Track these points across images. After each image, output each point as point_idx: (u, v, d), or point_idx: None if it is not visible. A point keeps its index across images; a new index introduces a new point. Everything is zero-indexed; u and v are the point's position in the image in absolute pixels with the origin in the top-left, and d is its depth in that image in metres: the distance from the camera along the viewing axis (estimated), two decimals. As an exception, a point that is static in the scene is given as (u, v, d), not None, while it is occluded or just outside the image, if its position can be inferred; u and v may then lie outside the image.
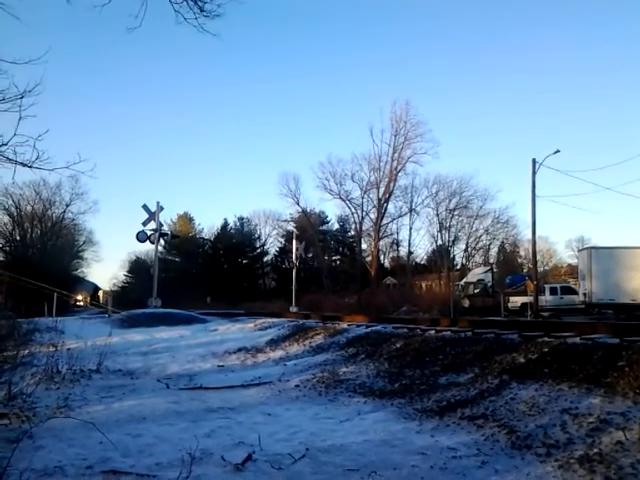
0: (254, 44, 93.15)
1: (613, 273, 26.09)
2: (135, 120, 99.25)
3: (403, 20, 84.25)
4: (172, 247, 66.12)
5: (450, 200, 53.92)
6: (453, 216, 54.58)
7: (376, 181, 52.87)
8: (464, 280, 40.02)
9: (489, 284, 36.36)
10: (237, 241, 66.97)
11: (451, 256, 56.79)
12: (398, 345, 10.94)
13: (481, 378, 7.60)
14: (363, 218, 55.17)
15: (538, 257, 34.29)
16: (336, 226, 66.13)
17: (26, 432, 5.38)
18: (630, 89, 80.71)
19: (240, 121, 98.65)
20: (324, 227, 65.35)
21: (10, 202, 53.20)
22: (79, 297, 42.50)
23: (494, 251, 60.30)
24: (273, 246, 69.43)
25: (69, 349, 11.14)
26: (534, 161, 27.25)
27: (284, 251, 62.69)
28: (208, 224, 74.25)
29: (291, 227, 58.01)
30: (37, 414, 6.57)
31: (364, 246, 58.41)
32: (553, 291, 30.92)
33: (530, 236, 29.15)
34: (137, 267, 68.13)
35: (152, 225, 26.63)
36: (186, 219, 71.75)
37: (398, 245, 60.92)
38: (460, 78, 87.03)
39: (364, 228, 55.82)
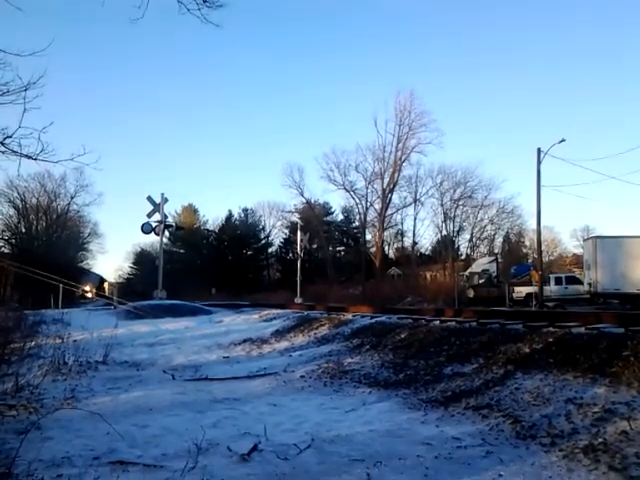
0: (258, 35, 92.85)
1: (618, 262, 25.96)
2: (139, 111, 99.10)
3: (407, 10, 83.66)
4: (177, 239, 66.21)
5: (455, 190, 53.85)
6: (458, 206, 54.52)
7: (380, 171, 52.73)
8: (469, 270, 39.98)
9: (494, 274, 36.29)
10: (241, 232, 67.03)
11: (456, 246, 56.85)
12: (403, 336, 10.95)
13: (486, 368, 7.60)
14: (367, 209, 55.12)
15: (543, 247, 34.19)
16: (340, 217, 66.15)
17: (34, 423, 5.42)
18: (634, 78, 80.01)
19: (244, 112, 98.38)
20: (328, 218, 65.26)
21: (15, 194, 53.55)
22: (87, 288, 42.49)
23: (499, 241, 60.38)
24: (277, 237, 69.57)
25: (75, 341, 11.21)
26: (539, 150, 27.11)
27: (288, 242, 62.81)
28: (212, 215, 74.66)
29: (295, 218, 58.06)
30: (44, 405, 6.62)
31: (368, 237, 58.49)
32: (558, 281, 30.80)
33: (535, 226, 29.19)
34: (142, 259, 68.36)
35: (157, 217, 26.69)
36: (190, 211, 71.80)
37: (403, 235, 61.05)
38: (465, 68, 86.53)
39: (368, 219, 55.79)
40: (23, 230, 55.69)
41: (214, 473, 4.33)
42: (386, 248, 59.95)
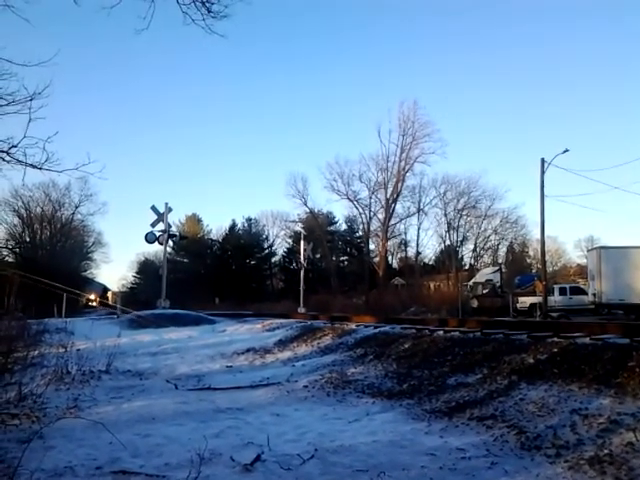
0: (261, 44, 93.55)
1: (623, 273, 25.91)
2: (144, 121, 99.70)
3: (411, 19, 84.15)
4: (180, 248, 66.31)
5: (458, 200, 53.80)
6: (461, 216, 54.47)
7: (384, 181, 52.71)
8: (472, 280, 39.87)
9: (498, 284, 36.19)
10: (245, 242, 67.11)
11: (459, 256, 56.69)
12: (406, 346, 10.91)
13: (490, 379, 7.56)
14: (371, 218, 55.05)
15: (547, 257, 34.10)
16: (344, 227, 66.14)
17: (36, 432, 5.40)
18: (638, 87, 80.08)
19: (248, 122, 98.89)
20: (332, 228, 65.27)
21: (20, 204, 53.92)
22: (92, 297, 42.45)
23: (503, 251, 60.21)
24: (281, 247, 69.60)
25: (79, 350, 11.20)
26: (543, 160, 27.14)
27: (292, 252, 62.74)
28: (216, 225, 74.51)
29: (299, 228, 58.04)
30: (47, 414, 6.61)
31: (372, 246, 58.40)
32: (562, 291, 30.76)
33: (539, 236, 29.06)
34: (146, 268, 68.56)
35: (161, 226, 26.78)
36: (194, 220, 71.95)
37: (406, 245, 60.89)
38: (468, 77, 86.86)
39: (372, 228, 55.70)
40: (27, 239, 55.91)
41: (217, 483, 4.30)
42: (389, 258, 59.94)
